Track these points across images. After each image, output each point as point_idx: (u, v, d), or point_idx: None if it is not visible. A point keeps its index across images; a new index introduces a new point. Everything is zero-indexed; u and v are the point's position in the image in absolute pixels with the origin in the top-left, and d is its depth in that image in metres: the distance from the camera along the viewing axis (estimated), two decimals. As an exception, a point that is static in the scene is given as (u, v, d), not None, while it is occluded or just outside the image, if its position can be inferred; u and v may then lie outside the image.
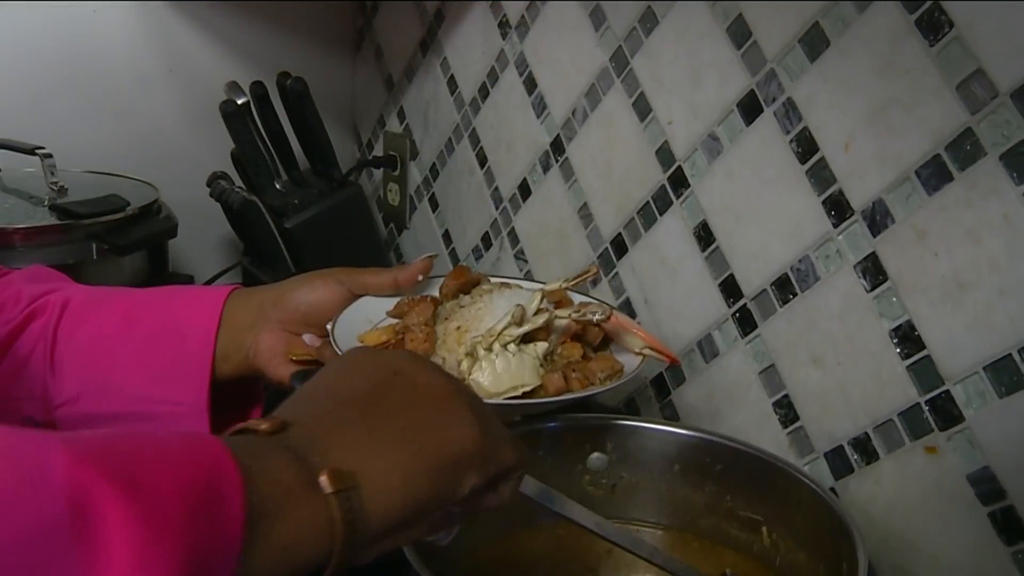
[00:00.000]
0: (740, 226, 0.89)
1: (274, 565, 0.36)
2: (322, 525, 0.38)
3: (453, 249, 1.35)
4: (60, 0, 1.25)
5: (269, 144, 1.29)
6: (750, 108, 0.85)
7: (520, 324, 0.72)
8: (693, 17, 0.90)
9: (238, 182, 1.30)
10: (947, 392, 0.72)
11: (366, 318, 0.78)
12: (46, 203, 1.10)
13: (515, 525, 0.75)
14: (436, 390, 0.48)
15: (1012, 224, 0.66)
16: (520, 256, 1.20)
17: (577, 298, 0.82)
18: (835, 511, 0.66)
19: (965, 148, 0.68)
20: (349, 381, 0.48)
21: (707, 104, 0.90)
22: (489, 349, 0.71)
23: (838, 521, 0.65)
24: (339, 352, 0.70)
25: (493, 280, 0.83)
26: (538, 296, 0.75)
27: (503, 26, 1.17)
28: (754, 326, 0.88)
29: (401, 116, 1.43)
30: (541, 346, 0.73)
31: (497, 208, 1.23)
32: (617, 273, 1.04)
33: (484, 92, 1.23)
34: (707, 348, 0.94)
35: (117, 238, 1.07)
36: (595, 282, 1.06)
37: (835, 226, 0.79)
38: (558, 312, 0.74)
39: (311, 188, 1.30)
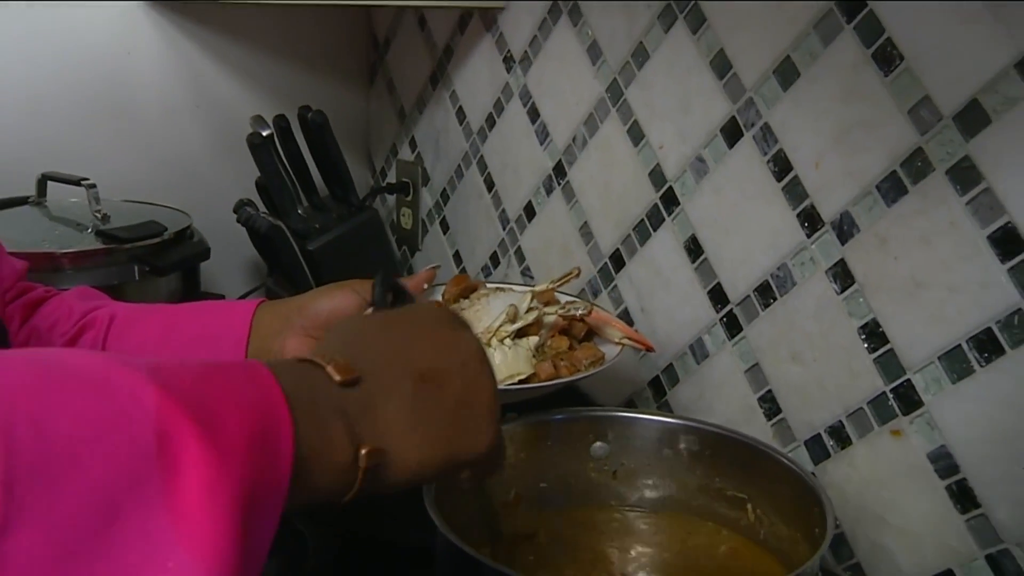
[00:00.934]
0: (725, 238, 0.98)
1: (303, 500, 0.45)
2: (348, 480, 0.47)
3: (463, 268, 1.44)
4: (96, 41, 1.36)
5: (291, 172, 1.39)
6: (732, 132, 0.95)
7: (514, 321, 0.86)
8: (680, 51, 1.00)
9: (262, 208, 1.40)
10: (908, 381, 0.81)
11: None
12: (90, 229, 1.19)
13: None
14: (482, 397, 0.54)
15: (958, 229, 0.75)
16: (527, 273, 1.30)
17: (563, 298, 0.94)
18: (809, 484, 0.74)
19: (917, 164, 0.78)
20: (425, 348, 0.54)
21: (694, 129, 1.00)
22: (488, 344, 0.83)
23: (811, 493, 0.73)
24: None
25: (489, 285, 0.96)
26: (528, 296, 0.90)
27: (508, 60, 1.28)
28: (739, 329, 0.97)
29: (413, 145, 1.53)
30: (533, 339, 0.87)
31: (504, 228, 1.33)
32: (616, 285, 1.13)
33: (491, 121, 1.33)
34: (698, 350, 1.03)
35: (156, 260, 1.17)
36: (595, 293, 1.16)
37: (808, 236, 0.88)
38: (546, 309, 0.88)
39: (330, 213, 1.40)
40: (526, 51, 1.24)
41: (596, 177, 1.15)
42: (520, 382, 0.83)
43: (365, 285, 0.88)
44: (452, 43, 1.39)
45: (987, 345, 0.74)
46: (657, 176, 1.05)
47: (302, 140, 1.40)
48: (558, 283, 0.93)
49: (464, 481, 0.56)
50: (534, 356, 0.85)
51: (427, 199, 1.52)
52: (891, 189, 0.80)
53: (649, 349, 0.93)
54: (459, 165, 1.41)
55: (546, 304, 0.91)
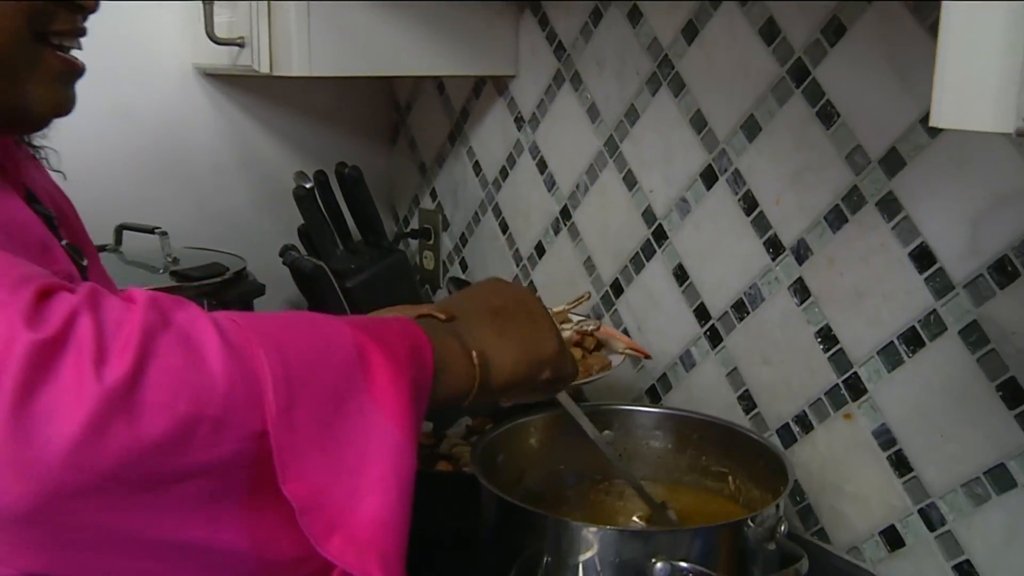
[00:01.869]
0: (706, 265, 1.18)
1: (442, 396, 0.66)
2: (469, 379, 0.69)
3: (480, 301, 1.63)
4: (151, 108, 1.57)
5: (328, 220, 1.59)
6: (709, 177, 1.15)
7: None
8: (665, 111, 1.21)
9: (303, 251, 1.59)
10: (855, 373, 1.00)
11: None
12: (163, 271, 1.38)
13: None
14: (539, 317, 0.78)
15: (887, 249, 0.95)
16: (537, 302, 1.49)
17: (575, 317, 1.13)
18: (775, 454, 0.93)
19: (854, 199, 0.98)
20: (491, 298, 0.78)
21: (678, 176, 1.20)
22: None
23: (776, 459, 0.92)
24: None
25: None
26: None
27: (518, 120, 1.48)
28: (720, 340, 1.16)
29: (433, 195, 1.73)
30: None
31: (518, 266, 1.53)
32: (616, 309, 1.32)
33: (504, 173, 1.53)
34: (686, 361, 1.22)
35: (221, 296, 1.36)
36: (599, 317, 1.35)
37: (773, 260, 1.08)
38: (563, 326, 1.06)
39: (364, 255, 1.59)
40: (534, 112, 1.45)
41: (596, 218, 1.35)
42: None
43: (405, 309, 1.08)
44: (468, 106, 1.60)
45: (912, 340, 0.94)
46: (648, 215, 1.25)
47: (338, 191, 1.61)
48: (572, 305, 1.12)
49: (548, 384, 0.78)
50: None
51: (447, 243, 1.72)
52: (835, 219, 1.00)
53: (647, 357, 1.12)
54: (476, 212, 1.61)
55: (562, 322, 1.10)
